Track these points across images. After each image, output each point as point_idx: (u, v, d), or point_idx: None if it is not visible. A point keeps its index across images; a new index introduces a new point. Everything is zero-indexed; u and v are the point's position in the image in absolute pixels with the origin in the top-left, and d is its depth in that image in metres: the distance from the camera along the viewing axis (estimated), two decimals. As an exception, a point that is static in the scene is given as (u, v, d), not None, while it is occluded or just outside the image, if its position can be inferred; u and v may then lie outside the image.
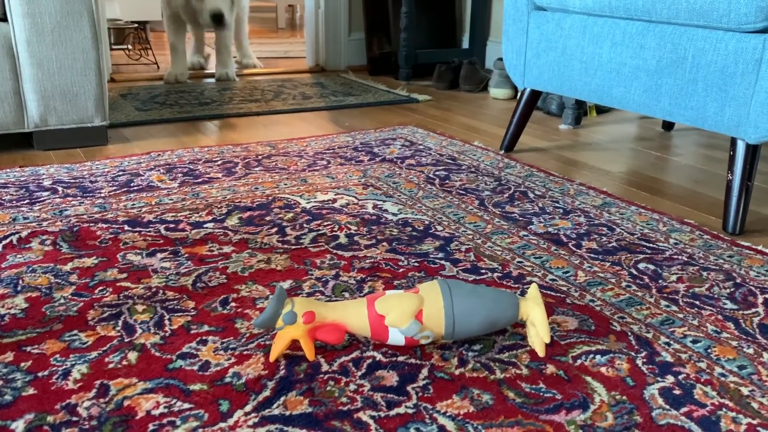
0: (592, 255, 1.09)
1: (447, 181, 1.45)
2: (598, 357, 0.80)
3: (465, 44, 2.98)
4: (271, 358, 0.77)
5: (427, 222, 1.21)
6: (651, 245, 1.13)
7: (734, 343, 0.84)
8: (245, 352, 0.79)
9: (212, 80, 2.66)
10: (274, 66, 3.10)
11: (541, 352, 0.79)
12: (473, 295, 0.79)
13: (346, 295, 0.94)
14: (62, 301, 0.90)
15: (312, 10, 2.94)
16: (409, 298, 0.78)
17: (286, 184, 1.41)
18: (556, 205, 1.32)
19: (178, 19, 2.62)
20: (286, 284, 0.96)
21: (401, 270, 1.02)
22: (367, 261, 1.04)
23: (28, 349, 0.78)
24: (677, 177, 1.57)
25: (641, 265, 1.05)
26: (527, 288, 0.97)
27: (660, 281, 1.00)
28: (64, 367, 0.75)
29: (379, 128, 1.92)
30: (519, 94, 1.69)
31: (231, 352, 0.79)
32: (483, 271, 1.02)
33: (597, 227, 1.21)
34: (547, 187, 1.42)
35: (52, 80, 1.58)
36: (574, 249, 1.11)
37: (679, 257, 1.09)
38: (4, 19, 1.53)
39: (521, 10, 1.60)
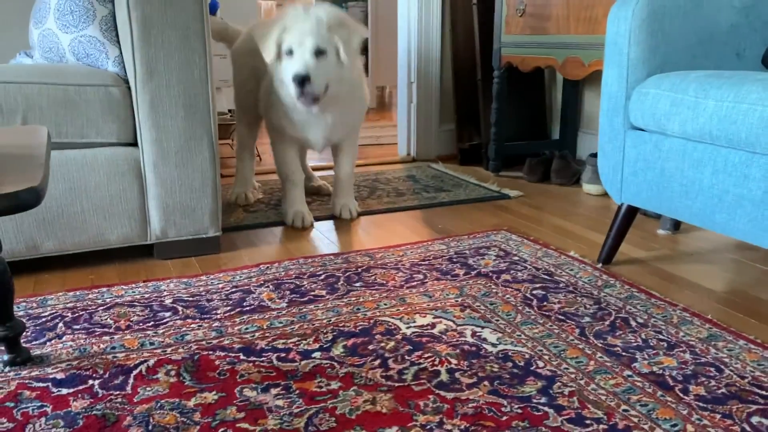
0: (701, 403, 1.07)
1: (545, 303, 1.46)
2: None
3: (555, 135, 3.01)
4: None
5: (527, 356, 1.23)
6: (764, 392, 1.10)
7: None
8: None
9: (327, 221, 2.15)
10: (367, 155, 3.23)
11: None
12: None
13: (452, 446, 0.96)
14: (189, 443, 0.97)
15: (405, 104, 3.07)
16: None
17: (385, 304, 1.46)
18: (660, 336, 1.30)
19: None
20: (392, 431, 1.00)
21: (504, 418, 1.03)
22: (470, 405, 1.07)
23: (162, 500, 0.85)
24: (788, 298, 1.51)
25: (754, 419, 1.02)
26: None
27: (776, 442, 0.97)
28: None
29: (472, 234, 1.96)
30: (617, 207, 1.69)
31: None
32: (588, 422, 1.02)
33: (704, 367, 1.18)
34: (649, 313, 1.40)
35: (173, 197, 1.73)
36: (681, 395, 1.09)
37: (796, 410, 1.05)
38: (135, 144, 1.70)
39: (617, 129, 1.62)
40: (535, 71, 2.61)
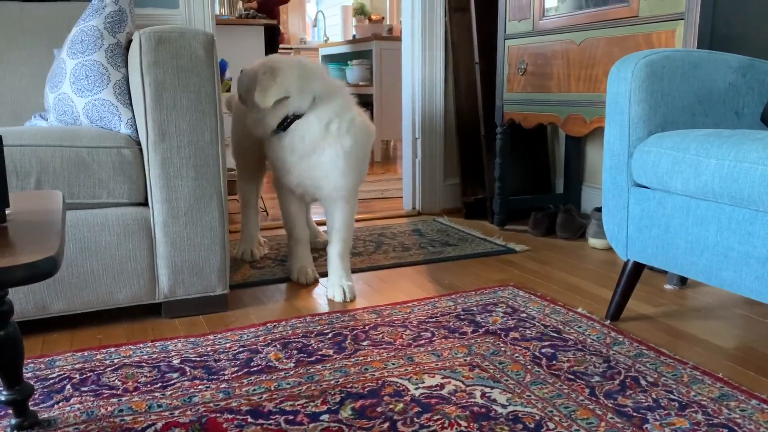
0: (716, 467, 1.05)
1: (554, 362, 1.45)
2: None
3: (559, 189, 3.03)
4: None
5: (537, 417, 1.21)
6: (779, 455, 1.08)
7: None
8: None
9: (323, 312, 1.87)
10: (372, 209, 3.26)
11: None
12: None
13: None
14: None
15: (410, 159, 3.11)
16: None
17: (393, 364, 1.46)
18: (671, 396, 1.29)
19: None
20: (403, 498, 0.99)
21: (516, 483, 1.02)
22: (481, 470, 1.05)
23: None
24: (799, 355, 1.50)
25: (771, 483, 1.01)
26: None
27: (794, 508, 0.95)
28: None
29: (479, 289, 1.96)
30: (623, 263, 1.70)
31: None
32: (601, 487, 1.01)
33: (717, 428, 1.17)
34: (659, 372, 1.39)
35: (182, 256, 1.74)
36: (695, 458, 1.08)
37: (813, 473, 1.03)
38: (145, 204, 1.72)
39: (621, 186, 1.64)
40: (538, 127, 2.65)
